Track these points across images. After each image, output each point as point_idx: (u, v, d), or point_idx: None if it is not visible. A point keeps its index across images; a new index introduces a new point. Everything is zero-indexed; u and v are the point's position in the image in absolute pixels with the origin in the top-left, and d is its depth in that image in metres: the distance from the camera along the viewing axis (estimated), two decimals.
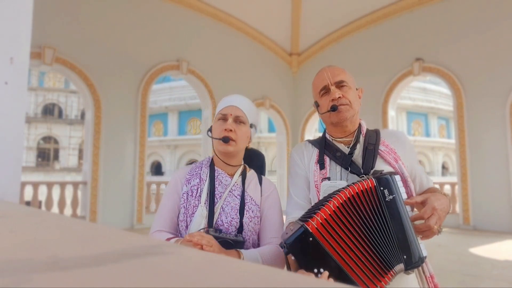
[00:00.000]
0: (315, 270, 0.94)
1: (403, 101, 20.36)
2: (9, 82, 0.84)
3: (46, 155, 28.81)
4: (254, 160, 1.45)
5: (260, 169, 1.45)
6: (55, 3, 6.95)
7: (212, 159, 1.37)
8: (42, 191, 7.46)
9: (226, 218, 1.23)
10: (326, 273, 0.94)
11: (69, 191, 7.54)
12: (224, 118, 1.30)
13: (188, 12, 8.85)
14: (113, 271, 0.26)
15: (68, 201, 7.44)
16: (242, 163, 1.38)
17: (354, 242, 1.00)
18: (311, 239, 0.97)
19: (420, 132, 22.78)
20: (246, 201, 1.28)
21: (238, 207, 1.26)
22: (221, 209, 1.24)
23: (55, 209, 7.59)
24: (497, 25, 7.42)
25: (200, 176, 1.30)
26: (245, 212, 1.26)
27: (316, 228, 0.98)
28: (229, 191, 1.28)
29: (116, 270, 0.27)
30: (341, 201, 1.02)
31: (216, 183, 1.28)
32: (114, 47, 7.65)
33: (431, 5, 8.36)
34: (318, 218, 0.99)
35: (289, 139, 11.16)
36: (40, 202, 7.74)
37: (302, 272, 0.95)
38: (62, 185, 7.52)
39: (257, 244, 1.29)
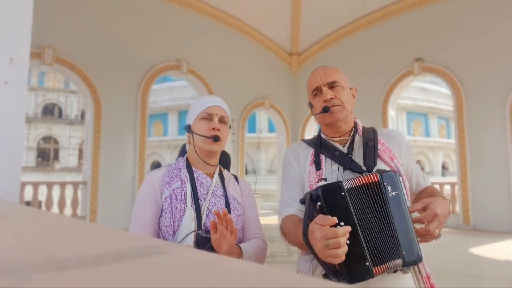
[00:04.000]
0: (342, 224, 0.96)
1: (403, 101, 20.36)
2: (9, 82, 0.84)
3: (46, 155, 28.80)
4: (221, 159, 1.45)
5: (225, 168, 1.45)
6: (55, 3, 6.95)
7: (187, 160, 1.33)
8: (42, 191, 7.45)
9: (213, 220, 1.23)
10: (348, 227, 0.94)
11: (69, 191, 7.54)
12: (209, 117, 1.29)
13: (188, 12, 8.85)
14: (113, 271, 0.26)
15: (68, 201, 7.44)
16: (218, 163, 1.38)
17: (363, 222, 1.03)
18: (343, 193, 1.02)
19: (420, 132, 22.79)
20: (230, 201, 1.29)
21: (224, 208, 1.26)
22: (208, 211, 1.23)
23: (55, 209, 7.59)
24: (497, 25, 7.42)
25: (181, 178, 1.26)
26: (231, 212, 1.27)
27: (347, 189, 1.03)
28: (212, 192, 1.27)
29: (116, 270, 0.27)
30: (354, 185, 1.05)
31: (197, 184, 1.27)
32: (114, 47, 7.65)
33: (431, 5, 8.36)
34: (349, 183, 1.05)
35: (289, 139, 11.16)
36: (40, 202, 7.74)
37: (322, 217, 0.96)
38: (62, 185, 7.51)
39: (241, 242, 1.31)
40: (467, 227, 7.40)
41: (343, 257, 0.92)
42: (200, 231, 1.18)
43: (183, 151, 1.43)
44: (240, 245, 1.21)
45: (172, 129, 22.87)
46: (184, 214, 1.20)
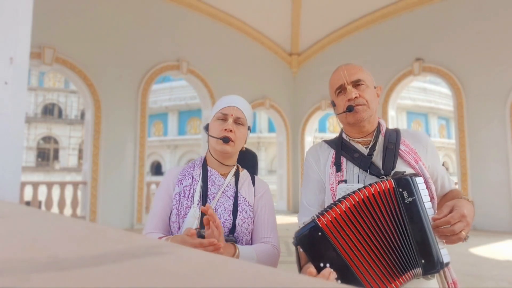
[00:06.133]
0: (321, 265, 0.95)
1: (403, 101, 20.37)
2: (9, 82, 0.84)
3: (46, 155, 28.80)
4: (247, 160, 1.44)
5: (252, 169, 1.43)
6: (55, 3, 6.95)
7: (205, 158, 1.35)
8: (42, 191, 7.45)
9: (219, 219, 1.21)
10: (328, 269, 0.93)
11: (69, 191, 7.53)
12: (224, 118, 1.28)
13: (188, 12, 8.85)
14: (113, 271, 0.26)
15: (68, 201, 7.44)
16: (236, 163, 1.37)
17: (363, 243, 0.99)
18: (319, 233, 0.98)
19: None
20: (239, 202, 1.27)
21: (231, 208, 1.25)
22: (214, 210, 1.22)
23: (55, 209, 7.58)
24: (497, 25, 7.42)
25: (192, 177, 1.28)
26: (238, 213, 1.25)
27: (325, 224, 0.99)
28: (222, 192, 1.27)
29: (116, 270, 0.27)
30: (354, 202, 1.01)
31: (209, 183, 1.27)
32: (114, 47, 7.65)
33: (431, 5, 8.36)
34: (329, 216, 1.00)
35: (289, 139, 11.16)
36: (40, 202, 7.74)
37: (309, 265, 0.95)
38: (62, 185, 7.51)
39: (250, 244, 1.28)
40: None
41: None
42: (202, 230, 1.17)
43: None
44: (239, 245, 1.18)
45: (172, 129, 22.88)
46: (188, 211, 1.21)
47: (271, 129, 20.26)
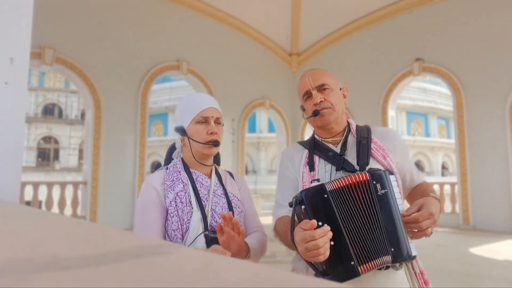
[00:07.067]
0: (320, 223, 0.98)
1: (403, 101, 20.37)
2: (9, 82, 0.84)
3: (46, 155, 28.80)
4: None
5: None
6: (55, 3, 6.95)
7: (183, 161, 1.32)
8: (42, 191, 7.45)
9: (220, 218, 1.23)
10: (328, 227, 0.97)
11: (69, 191, 7.53)
12: (205, 120, 1.27)
13: (188, 12, 8.85)
14: (113, 271, 0.26)
15: (68, 201, 7.44)
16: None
17: (347, 222, 1.06)
18: (326, 196, 1.05)
19: (420, 132, 22.78)
20: (230, 198, 1.30)
21: (226, 206, 1.27)
22: (212, 211, 1.24)
23: (55, 209, 7.58)
24: (497, 25, 7.42)
25: (182, 181, 1.26)
26: (234, 209, 1.28)
27: (329, 190, 1.06)
28: (213, 192, 1.28)
29: (116, 270, 0.27)
30: (339, 186, 1.08)
31: (197, 185, 1.27)
32: (115, 47, 7.65)
33: (431, 5, 8.36)
34: (332, 185, 1.08)
35: (289, 139, 11.16)
36: (40, 202, 7.74)
37: (304, 221, 0.99)
38: (62, 185, 7.51)
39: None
40: (467, 227, 7.40)
41: (327, 256, 0.96)
42: (207, 232, 1.19)
43: (172, 151, 1.40)
44: (247, 241, 1.21)
45: (172, 129, 22.86)
46: (191, 216, 1.20)
47: (271, 129, 20.26)
